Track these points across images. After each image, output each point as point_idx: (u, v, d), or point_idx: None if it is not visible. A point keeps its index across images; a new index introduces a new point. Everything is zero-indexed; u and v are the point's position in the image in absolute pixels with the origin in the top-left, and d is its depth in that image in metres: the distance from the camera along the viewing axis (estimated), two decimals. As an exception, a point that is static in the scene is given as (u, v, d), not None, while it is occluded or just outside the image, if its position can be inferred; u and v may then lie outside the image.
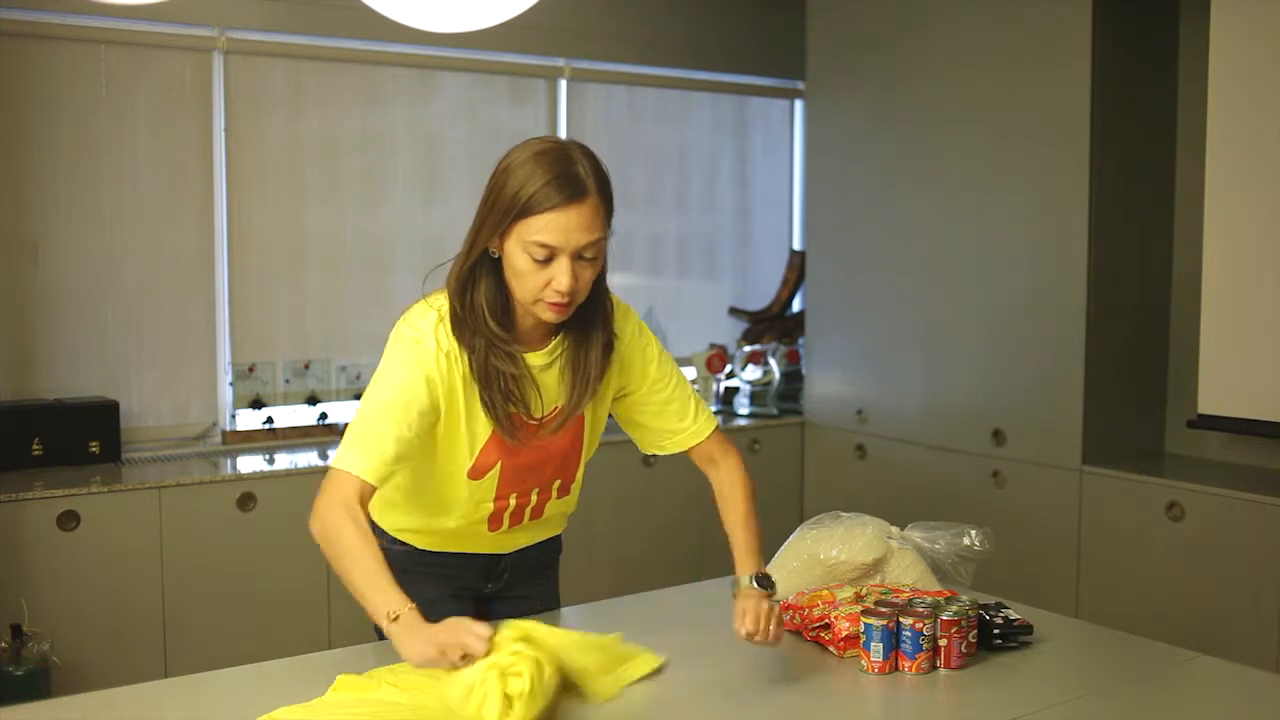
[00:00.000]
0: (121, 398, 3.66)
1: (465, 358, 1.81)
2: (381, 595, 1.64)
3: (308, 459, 3.72)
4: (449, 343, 1.81)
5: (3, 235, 3.52)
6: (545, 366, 1.86)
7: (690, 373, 4.78)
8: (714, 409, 4.66)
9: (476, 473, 1.90)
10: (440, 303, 1.85)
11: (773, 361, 4.67)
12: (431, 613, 2.03)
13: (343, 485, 1.73)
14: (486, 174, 4.62)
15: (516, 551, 2.09)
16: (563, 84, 4.48)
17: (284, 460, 3.71)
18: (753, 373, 4.67)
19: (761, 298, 5.07)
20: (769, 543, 2.37)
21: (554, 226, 1.70)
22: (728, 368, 4.72)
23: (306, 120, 3.97)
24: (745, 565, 1.92)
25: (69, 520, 3.19)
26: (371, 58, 4.04)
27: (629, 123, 4.72)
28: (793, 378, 4.73)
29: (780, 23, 4.87)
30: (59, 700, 1.82)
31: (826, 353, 4.46)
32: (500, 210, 1.73)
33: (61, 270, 3.60)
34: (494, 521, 2.00)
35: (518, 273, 1.75)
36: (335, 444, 3.91)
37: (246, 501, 3.45)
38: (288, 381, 3.97)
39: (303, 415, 4.00)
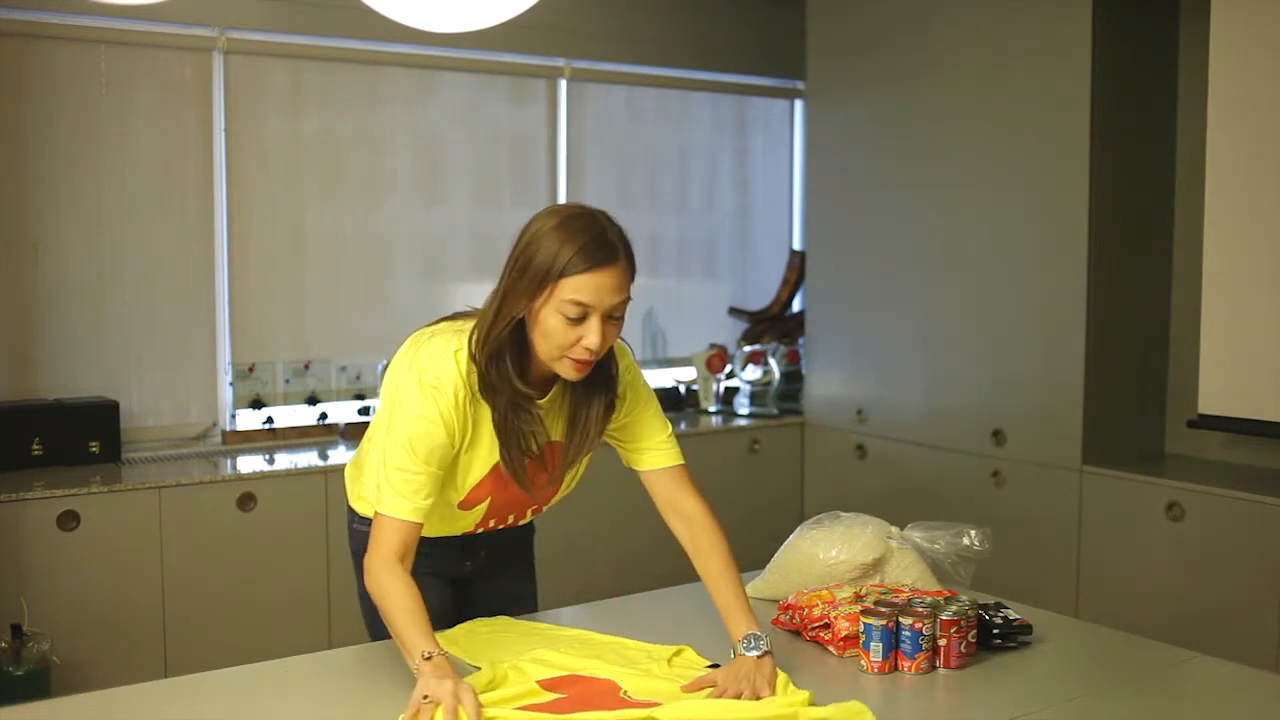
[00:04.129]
0: (121, 398, 3.66)
1: (474, 403, 1.87)
2: (417, 639, 1.73)
3: (308, 459, 3.72)
4: (465, 392, 1.86)
5: (3, 235, 3.52)
6: (548, 410, 1.95)
7: (690, 373, 4.78)
8: (714, 409, 4.67)
9: (466, 505, 1.99)
10: (456, 346, 1.88)
11: (773, 361, 4.67)
12: None
13: (391, 537, 1.82)
14: (487, 174, 4.63)
15: (492, 532, 2.14)
16: (563, 84, 4.48)
17: (284, 460, 3.71)
18: (753, 373, 4.67)
19: (761, 298, 5.07)
20: (769, 543, 2.38)
21: (589, 287, 1.78)
22: (728, 368, 4.72)
23: (306, 120, 3.98)
24: (744, 624, 1.86)
25: (69, 520, 3.19)
26: (371, 58, 4.04)
27: (629, 123, 4.72)
28: (793, 378, 4.73)
29: (780, 23, 4.87)
30: (59, 700, 1.83)
31: (826, 353, 4.46)
32: (535, 274, 1.80)
33: (61, 270, 3.60)
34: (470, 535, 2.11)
35: (548, 332, 1.82)
36: (335, 444, 3.92)
37: (246, 501, 3.45)
38: (288, 381, 3.97)
39: (303, 415, 4.00)
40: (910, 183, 4.06)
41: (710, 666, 1.84)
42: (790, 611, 2.05)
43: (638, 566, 3.95)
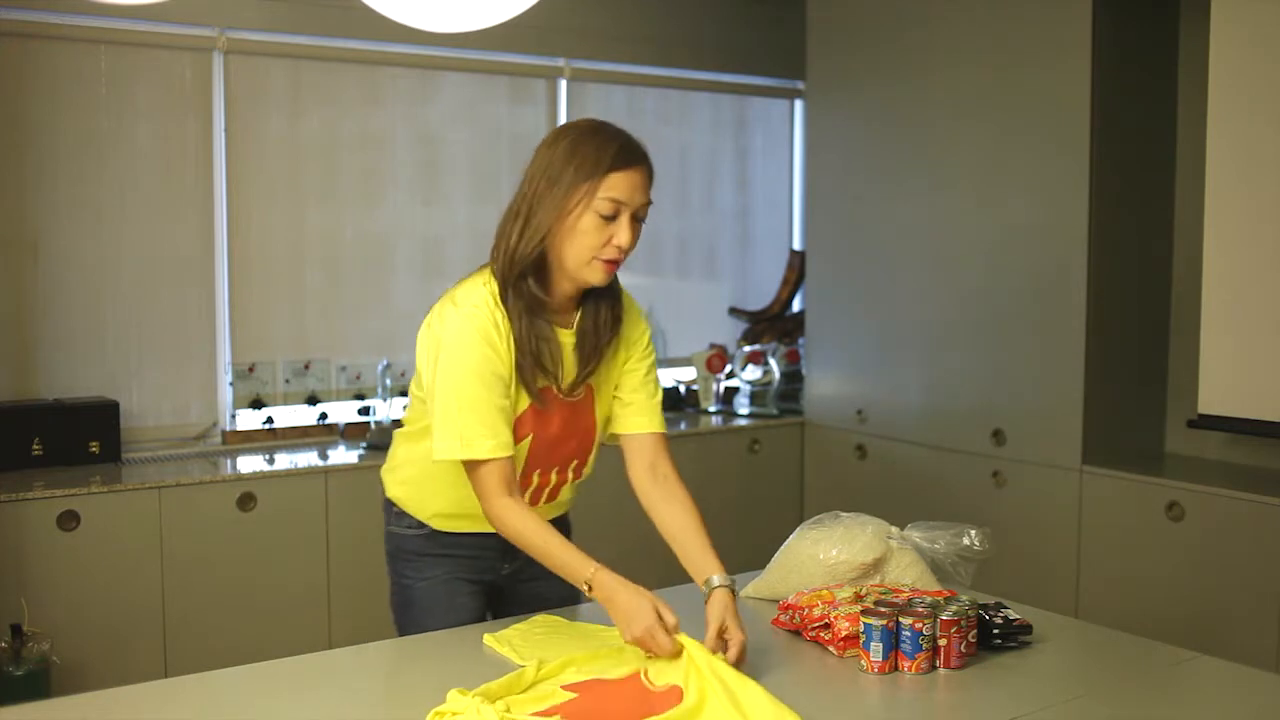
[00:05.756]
0: (121, 398, 3.66)
1: (511, 331, 1.97)
2: (574, 564, 1.92)
3: (308, 459, 3.72)
4: (501, 317, 1.97)
5: (3, 235, 3.52)
6: (573, 346, 2.05)
7: (690, 373, 4.78)
8: (714, 409, 4.67)
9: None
10: (484, 280, 2.00)
11: (773, 361, 4.67)
12: (446, 592, 2.14)
13: (490, 480, 1.94)
14: (486, 174, 4.62)
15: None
16: (563, 84, 4.48)
17: (284, 460, 3.71)
18: (753, 373, 4.67)
19: (761, 298, 5.07)
20: (769, 542, 2.38)
21: (625, 185, 1.94)
22: (728, 368, 4.72)
23: (306, 120, 3.97)
24: (714, 566, 1.99)
25: (69, 520, 3.19)
26: (371, 58, 4.04)
27: (629, 123, 4.61)
28: (793, 378, 4.73)
29: (780, 23, 4.87)
30: (59, 700, 1.83)
31: (826, 353, 4.46)
32: (571, 181, 1.93)
33: (61, 270, 3.60)
34: None
35: (579, 234, 1.94)
36: (335, 444, 3.92)
37: (246, 501, 3.45)
38: (288, 381, 3.97)
39: (303, 415, 4.00)
40: (910, 182, 4.06)
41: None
42: (790, 611, 2.05)
43: (638, 566, 3.95)
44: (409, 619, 2.17)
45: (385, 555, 2.23)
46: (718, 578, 1.95)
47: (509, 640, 1.97)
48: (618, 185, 1.93)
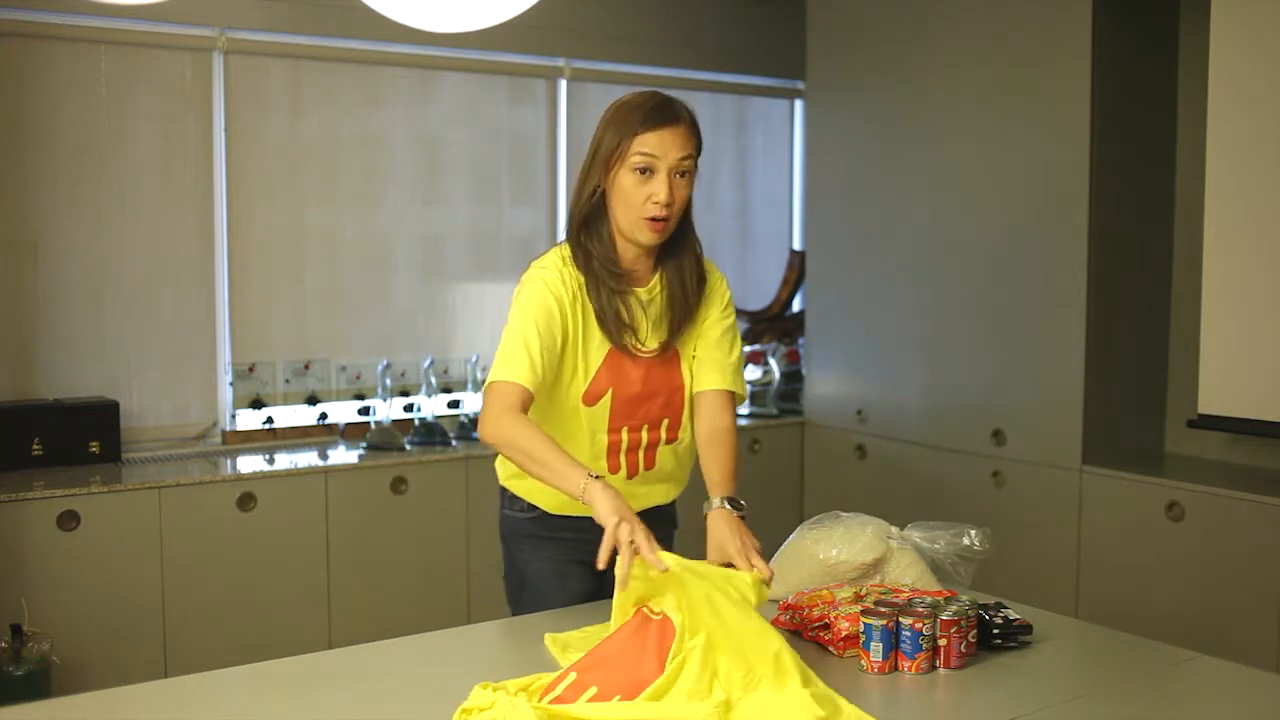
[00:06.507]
0: (121, 398, 3.66)
1: (584, 289, 2.10)
2: (573, 471, 1.90)
3: (308, 459, 3.72)
4: (571, 275, 2.11)
5: (3, 235, 3.52)
6: (649, 301, 2.15)
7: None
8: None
9: (590, 398, 2.13)
10: (562, 246, 2.16)
11: (773, 361, 4.67)
12: (555, 574, 2.22)
13: (503, 394, 2.00)
14: (486, 174, 4.65)
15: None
16: (563, 84, 4.48)
17: (284, 460, 3.71)
18: (753, 373, 4.67)
19: (761, 298, 5.07)
20: (769, 543, 2.38)
21: (654, 141, 2.05)
22: (728, 368, 4.71)
23: (306, 120, 3.98)
24: (720, 489, 2.10)
25: (69, 520, 3.19)
26: (371, 58, 4.04)
27: (629, 123, 4.71)
28: (793, 378, 4.73)
29: (780, 23, 4.87)
30: (59, 700, 1.82)
31: (826, 353, 4.46)
32: (609, 144, 2.08)
33: (61, 270, 3.60)
34: (612, 458, 2.18)
35: (623, 193, 2.07)
36: (335, 444, 3.92)
37: (246, 501, 3.45)
38: (288, 381, 3.97)
39: (303, 415, 4.00)
40: (910, 182, 4.06)
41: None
42: (790, 611, 2.05)
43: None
44: (522, 599, 2.25)
45: (500, 537, 2.32)
46: (718, 499, 2.05)
47: (567, 643, 1.93)
48: (648, 142, 2.04)
